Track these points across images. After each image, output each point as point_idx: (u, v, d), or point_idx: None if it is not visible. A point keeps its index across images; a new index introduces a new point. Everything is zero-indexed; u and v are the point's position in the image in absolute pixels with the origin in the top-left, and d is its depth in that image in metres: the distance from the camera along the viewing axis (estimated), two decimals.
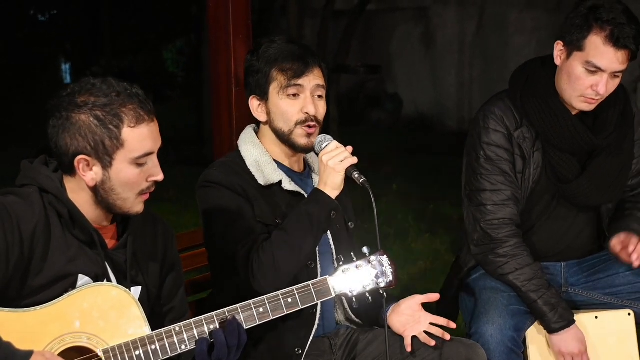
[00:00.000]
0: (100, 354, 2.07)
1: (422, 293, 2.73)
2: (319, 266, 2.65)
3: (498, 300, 2.93)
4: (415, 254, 6.33)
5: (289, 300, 2.26)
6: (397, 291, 2.47)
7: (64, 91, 2.14)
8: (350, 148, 2.54)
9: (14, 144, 10.84)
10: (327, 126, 2.71)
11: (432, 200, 7.95)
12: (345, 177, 2.53)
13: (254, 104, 2.68)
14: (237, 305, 2.22)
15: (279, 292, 2.27)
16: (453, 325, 2.68)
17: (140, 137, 2.12)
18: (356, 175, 2.50)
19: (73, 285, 2.12)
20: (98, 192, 2.14)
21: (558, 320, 2.87)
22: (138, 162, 2.13)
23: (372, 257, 2.38)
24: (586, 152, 2.95)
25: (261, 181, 2.62)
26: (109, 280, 2.17)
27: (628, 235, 2.92)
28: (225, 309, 2.22)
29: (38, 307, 2.06)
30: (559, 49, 2.84)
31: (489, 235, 2.90)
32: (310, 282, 2.31)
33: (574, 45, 2.78)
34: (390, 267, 2.39)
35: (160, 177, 2.17)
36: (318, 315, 2.65)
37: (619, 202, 3.10)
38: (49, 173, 2.16)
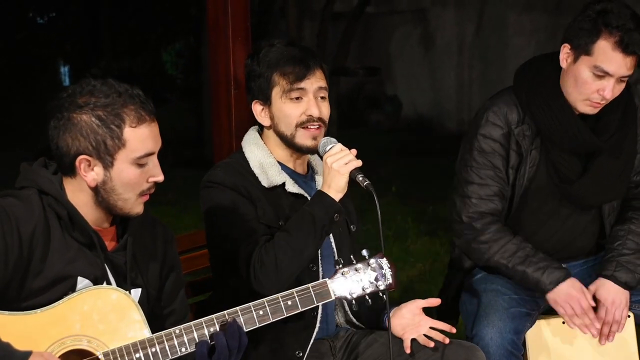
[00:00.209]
0: (101, 356, 2.07)
1: (421, 294, 2.74)
2: (320, 269, 2.66)
3: (498, 303, 2.93)
4: (414, 255, 6.33)
5: (289, 302, 2.26)
6: (396, 293, 2.47)
7: (65, 92, 2.14)
8: (354, 151, 2.54)
9: (13, 145, 10.85)
10: (327, 128, 2.70)
11: (431, 202, 7.95)
12: (348, 180, 2.53)
13: (257, 108, 2.68)
14: (237, 307, 2.22)
15: (278, 295, 2.27)
16: (453, 330, 2.68)
17: (141, 137, 2.12)
18: (360, 179, 2.49)
19: (73, 288, 2.11)
20: (99, 193, 2.14)
21: (552, 280, 2.86)
22: (139, 163, 2.13)
23: (372, 260, 2.38)
24: (588, 152, 2.95)
25: (265, 183, 2.62)
26: (109, 283, 2.17)
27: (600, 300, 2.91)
28: (225, 312, 2.22)
29: (38, 310, 2.06)
30: (565, 51, 2.83)
31: (469, 225, 2.92)
32: (310, 285, 2.31)
33: (582, 49, 2.77)
34: (389, 269, 2.39)
35: (160, 177, 2.18)
36: (319, 318, 2.65)
37: (623, 201, 3.09)
38: (48, 175, 2.16)
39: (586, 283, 3.10)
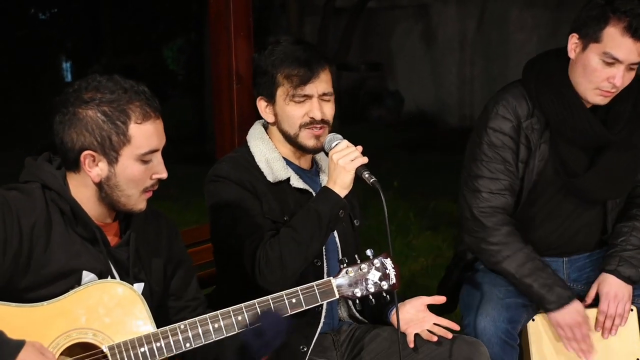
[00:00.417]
0: (106, 350, 2.08)
1: (423, 289, 2.75)
2: (325, 264, 2.66)
3: (494, 293, 2.93)
4: (416, 250, 6.34)
5: (293, 300, 2.27)
6: (399, 290, 2.48)
7: (70, 87, 2.14)
8: (360, 147, 2.54)
9: (15, 143, 10.86)
10: (331, 128, 2.69)
11: (433, 197, 7.96)
12: (354, 177, 2.53)
13: (261, 104, 2.68)
14: (242, 304, 2.22)
15: (283, 293, 2.27)
16: (456, 327, 2.69)
17: (146, 134, 2.12)
18: (366, 175, 2.49)
19: (78, 282, 2.12)
20: (102, 188, 2.15)
21: (556, 299, 2.86)
22: (143, 159, 2.14)
23: (376, 260, 2.38)
24: (597, 146, 2.93)
25: (270, 178, 2.63)
26: (113, 277, 2.18)
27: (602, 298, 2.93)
28: (229, 308, 2.21)
29: (45, 303, 2.07)
30: (573, 41, 2.80)
31: (480, 222, 2.90)
32: (314, 283, 2.31)
33: (590, 37, 2.75)
34: (393, 269, 2.39)
35: (164, 174, 2.18)
36: (323, 314, 2.66)
37: (627, 198, 3.09)
38: (52, 170, 2.17)
39: (586, 278, 3.12)
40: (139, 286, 2.22)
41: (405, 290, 2.78)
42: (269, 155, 2.65)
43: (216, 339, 2.18)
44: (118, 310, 2.11)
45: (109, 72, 2.20)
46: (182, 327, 2.15)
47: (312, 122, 2.60)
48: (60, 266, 2.10)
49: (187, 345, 2.15)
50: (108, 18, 15.28)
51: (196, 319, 2.17)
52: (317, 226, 2.50)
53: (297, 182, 2.66)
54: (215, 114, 3.46)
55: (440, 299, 2.72)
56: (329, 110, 2.64)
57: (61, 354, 2.06)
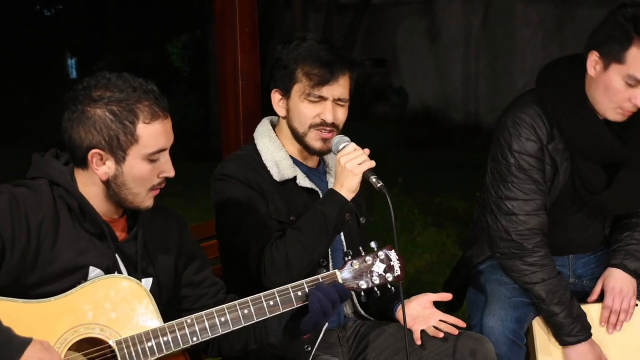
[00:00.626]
0: (113, 344, 2.09)
1: (428, 285, 2.76)
2: (330, 263, 2.67)
3: (501, 292, 2.94)
4: (421, 247, 6.34)
5: (299, 293, 2.27)
6: (403, 284, 2.48)
7: (80, 84, 2.15)
8: (367, 150, 2.54)
9: (20, 139, 10.88)
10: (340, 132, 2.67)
11: (437, 194, 7.96)
12: (361, 180, 2.52)
13: (275, 97, 2.67)
14: (248, 298, 2.23)
15: (289, 286, 2.27)
16: (462, 324, 2.69)
17: (154, 134, 2.13)
18: (374, 180, 2.49)
19: (85, 278, 2.13)
20: (110, 186, 2.15)
21: (576, 334, 2.88)
22: (151, 158, 2.14)
23: (380, 252, 2.39)
24: (613, 162, 2.91)
25: (276, 177, 2.63)
26: (120, 272, 2.19)
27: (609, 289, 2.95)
28: (235, 302, 2.22)
29: (52, 298, 2.08)
30: (593, 59, 2.75)
31: (520, 245, 2.88)
32: (319, 276, 2.32)
33: (613, 57, 2.69)
34: (398, 261, 2.40)
35: (171, 173, 2.19)
36: None
37: None
38: (59, 166, 2.18)
39: (591, 273, 3.13)
40: (147, 281, 2.23)
41: (410, 286, 2.77)
42: (276, 154, 2.65)
43: (223, 333, 2.19)
44: (124, 305, 2.12)
45: (114, 69, 2.20)
46: (189, 321, 2.16)
47: (322, 124, 2.60)
48: (67, 262, 2.11)
49: (194, 339, 2.16)
50: (113, 15, 15.30)
51: (202, 312, 2.18)
52: (323, 229, 2.51)
53: (303, 181, 2.66)
54: (221, 111, 3.46)
55: (446, 296, 2.73)
56: (341, 115, 2.63)
57: (69, 349, 2.07)
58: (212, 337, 2.18)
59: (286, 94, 2.64)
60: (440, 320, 2.68)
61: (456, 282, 3.20)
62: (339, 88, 2.61)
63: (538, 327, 2.98)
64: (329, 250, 2.66)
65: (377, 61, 13.71)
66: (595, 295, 3.00)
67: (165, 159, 2.17)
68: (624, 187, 2.90)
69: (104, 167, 2.13)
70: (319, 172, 2.76)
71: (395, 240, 2.41)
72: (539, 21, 12.08)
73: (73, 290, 2.10)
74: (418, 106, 13.66)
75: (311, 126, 2.61)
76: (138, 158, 2.13)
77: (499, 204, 2.91)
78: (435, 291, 2.80)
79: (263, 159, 2.65)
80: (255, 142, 2.71)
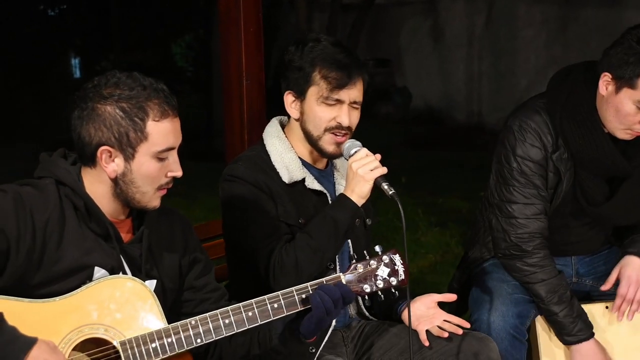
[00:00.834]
0: (117, 345, 2.09)
1: (431, 285, 2.76)
2: (338, 266, 2.67)
3: (502, 288, 2.95)
4: (425, 247, 6.34)
5: (303, 296, 2.27)
6: (407, 284, 2.48)
7: (90, 83, 2.16)
8: (379, 156, 2.53)
9: (24, 139, 10.89)
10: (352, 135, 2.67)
11: (441, 194, 7.96)
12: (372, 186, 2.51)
13: (288, 99, 2.65)
14: (252, 300, 2.23)
15: (293, 288, 2.27)
16: (467, 325, 2.69)
17: (164, 132, 2.13)
18: (385, 187, 2.49)
19: (90, 278, 2.13)
20: (118, 184, 2.16)
21: (577, 333, 2.88)
22: (159, 157, 2.15)
23: (385, 256, 2.39)
24: (615, 176, 2.92)
25: (285, 178, 2.62)
26: (125, 273, 2.19)
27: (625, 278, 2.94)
28: (240, 304, 2.22)
29: (57, 298, 2.08)
30: (605, 79, 2.76)
31: (519, 247, 2.90)
32: (324, 279, 2.32)
33: (626, 81, 2.71)
34: (402, 266, 2.39)
35: (179, 173, 2.19)
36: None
37: None
38: (66, 166, 2.18)
39: (594, 273, 3.12)
40: (151, 283, 2.23)
41: (414, 287, 2.76)
42: (285, 155, 2.64)
43: (227, 335, 2.19)
44: (129, 306, 2.12)
45: (117, 69, 2.21)
46: (193, 322, 2.16)
47: (338, 128, 2.59)
48: (72, 262, 2.11)
49: (198, 340, 2.16)
50: (116, 14, 15.30)
51: (207, 314, 2.18)
52: (333, 234, 2.51)
53: (312, 184, 2.65)
54: (225, 111, 3.45)
55: (450, 297, 2.73)
56: (355, 118, 2.63)
57: (73, 349, 2.06)
58: (216, 339, 2.18)
59: (300, 96, 2.62)
60: (445, 321, 2.68)
61: (459, 284, 3.20)
62: (355, 91, 2.60)
63: (541, 326, 2.98)
64: None
65: (381, 61, 13.71)
66: (610, 283, 2.98)
67: (173, 158, 2.18)
68: (624, 201, 2.93)
69: (113, 165, 2.14)
70: (326, 173, 2.75)
71: (404, 248, 2.41)
72: (542, 21, 12.06)
73: (78, 290, 2.10)
74: (421, 106, 13.66)
75: (326, 129, 2.60)
76: (147, 156, 2.13)
77: (500, 206, 2.93)
78: (439, 291, 2.80)
79: (272, 160, 2.64)
80: (265, 142, 2.70)
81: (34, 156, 2.28)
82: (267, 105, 3.40)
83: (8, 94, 13.71)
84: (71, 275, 2.11)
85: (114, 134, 2.11)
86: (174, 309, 2.31)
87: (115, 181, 2.15)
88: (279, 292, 2.25)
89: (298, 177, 2.63)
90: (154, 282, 2.24)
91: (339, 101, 2.59)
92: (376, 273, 2.37)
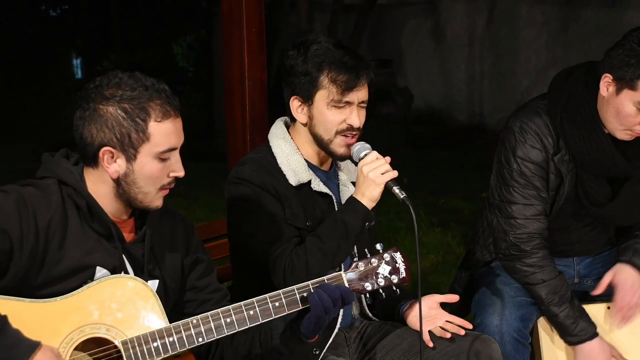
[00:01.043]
0: (119, 345, 2.09)
1: (433, 286, 2.76)
2: (342, 267, 2.66)
3: (505, 291, 2.96)
4: (427, 247, 6.33)
5: (304, 294, 2.27)
6: (408, 285, 2.49)
7: (92, 83, 2.16)
8: (388, 159, 2.52)
9: (25, 139, 10.89)
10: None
11: (442, 194, 7.95)
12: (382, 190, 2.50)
13: (294, 104, 2.63)
14: (253, 299, 2.23)
15: (294, 287, 2.27)
16: (469, 325, 2.69)
17: (166, 132, 2.14)
18: (396, 190, 2.48)
19: (91, 277, 2.13)
20: (120, 185, 2.16)
21: (579, 333, 2.89)
22: (161, 157, 2.15)
23: (386, 254, 2.39)
24: (617, 177, 2.93)
25: (292, 181, 2.61)
26: (126, 273, 2.19)
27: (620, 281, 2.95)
28: (241, 303, 2.22)
29: (58, 298, 2.08)
30: (606, 80, 2.77)
31: (517, 247, 2.91)
32: (325, 277, 2.32)
33: (626, 83, 2.72)
34: (403, 263, 2.40)
35: (181, 173, 2.19)
36: (339, 320, 2.64)
37: None
38: (69, 166, 2.18)
39: (596, 273, 3.13)
40: (153, 283, 2.23)
41: (415, 287, 2.76)
42: (291, 157, 2.63)
43: (228, 334, 2.19)
44: (131, 306, 2.12)
45: (119, 69, 2.21)
46: (195, 321, 2.16)
47: (349, 129, 2.58)
48: (74, 262, 2.11)
49: (200, 339, 2.16)
50: (118, 14, 15.30)
51: (208, 313, 2.18)
52: (344, 238, 2.50)
53: (318, 186, 2.64)
54: (227, 111, 3.45)
55: (453, 298, 2.73)
56: (363, 117, 2.62)
57: (75, 349, 2.07)
58: (218, 337, 2.18)
59: (307, 100, 2.60)
60: (447, 321, 2.68)
61: (460, 285, 3.21)
62: (363, 91, 2.60)
63: (543, 328, 2.98)
64: None
65: (382, 61, 13.69)
66: (601, 288, 2.99)
67: (175, 159, 2.18)
68: (626, 201, 2.94)
69: (115, 165, 2.14)
70: (331, 176, 2.74)
71: (417, 253, 2.42)
72: (543, 22, 12.05)
73: (79, 290, 2.11)
74: (422, 106, 13.64)
75: (337, 132, 2.59)
76: (149, 156, 2.13)
77: (500, 207, 2.94)
78: (440, 292, 2.80)
79: (279, 162, 2.63)
80: (270, 144, 2.68)
81: (35, 156, 2.28)
82: (269, 106, 3.40)
83: (9, 93, 13.71)
84: (73, 275, 2.11)
85: (116, 135, 2.11)
86: (176, 310, 2.31)
87: (117, 182, 2.15)
88: (280, 291, 2.26)
89: (304, 180, 2.62)
90: (157, 282, 2.24)
91: (349, 103, 2.57)
92: (377, 271, 2.37)
